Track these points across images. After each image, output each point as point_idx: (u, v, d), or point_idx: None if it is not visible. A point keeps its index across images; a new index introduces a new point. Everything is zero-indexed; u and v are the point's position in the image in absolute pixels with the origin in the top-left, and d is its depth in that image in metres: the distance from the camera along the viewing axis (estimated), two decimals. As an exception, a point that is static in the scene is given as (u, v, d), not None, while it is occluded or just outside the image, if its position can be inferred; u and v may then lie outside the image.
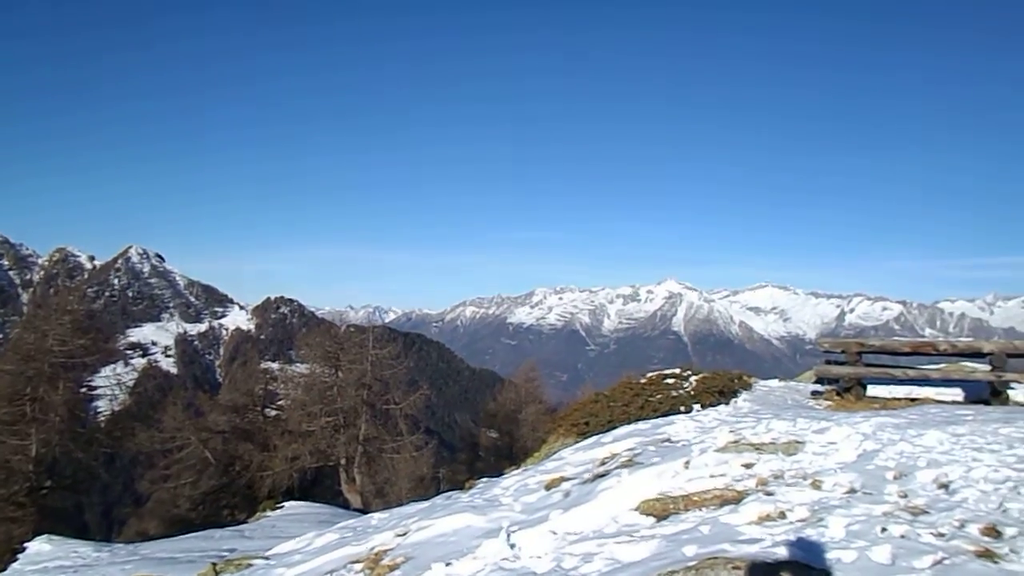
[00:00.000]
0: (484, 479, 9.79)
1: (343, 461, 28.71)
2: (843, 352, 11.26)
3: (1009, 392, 10.59)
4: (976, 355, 11.03)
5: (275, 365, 47.13)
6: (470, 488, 9.34)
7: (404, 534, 7.19)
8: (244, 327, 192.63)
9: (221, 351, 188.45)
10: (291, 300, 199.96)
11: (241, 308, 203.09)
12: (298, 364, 37.19)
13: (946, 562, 4.09)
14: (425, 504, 8.84)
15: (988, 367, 10.42)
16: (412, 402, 32.81)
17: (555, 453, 10.10)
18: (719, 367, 16.85)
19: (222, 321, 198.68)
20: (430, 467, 32.92)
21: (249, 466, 27.24)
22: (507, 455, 32.92)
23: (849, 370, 10.92)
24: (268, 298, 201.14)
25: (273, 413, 32.50)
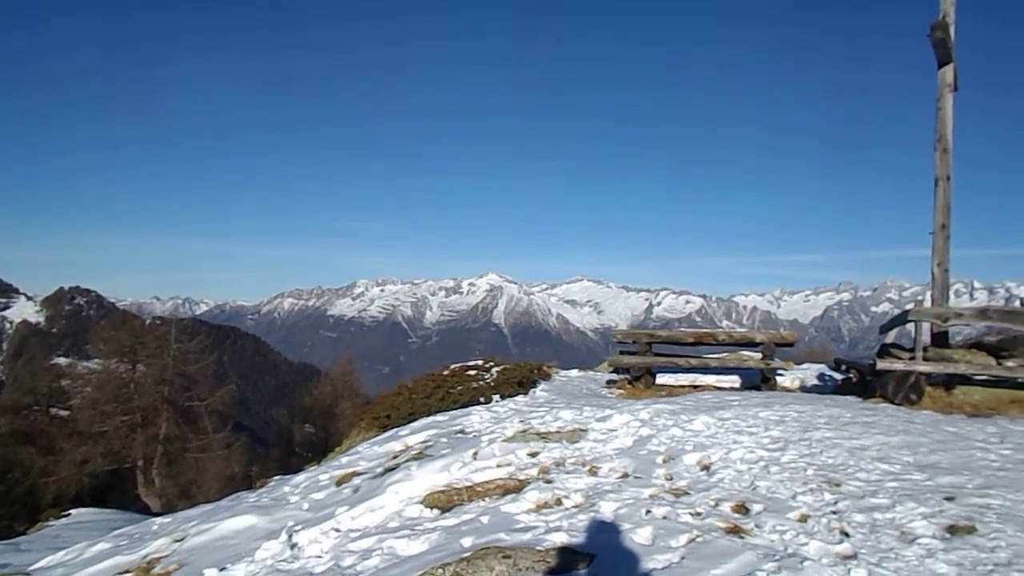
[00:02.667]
0: (277, 477, 9.42)
1: (140, 463, 26.91)
2: (634, 343, 11.84)
3: (777, 378, 11.58)
4: (750, 345, 11.97)
5: (65, 361, 43.35)
6: (260, 487, 8.94)
7: (182, 539, 6.76)
8: (32, 320, 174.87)
9: (4, 346, 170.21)
10: (88, 290, 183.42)
11: (29, 299, 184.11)
12: (93, 360, 34.48)
13: (699, 539, 4.34)
14: (209, 506, 8.36)
15: (760, 356, 11.32)
16: (220, 397, 31.31)
17: (354, 447, 9.89)
18: (537, 358, 17.20)
19: (5, 313, 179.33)
20: (242, 465, 31.50)
21: (30, 472, 24.85)
22: (323, 450, 32.17)
23: (639, 360, 11.49)
24: (61, 288, 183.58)
25: (63, 413, 30.04)
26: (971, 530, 4.34)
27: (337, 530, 5.68)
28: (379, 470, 7.28)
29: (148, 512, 21.47)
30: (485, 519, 5.11)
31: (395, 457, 7.66)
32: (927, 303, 9.82)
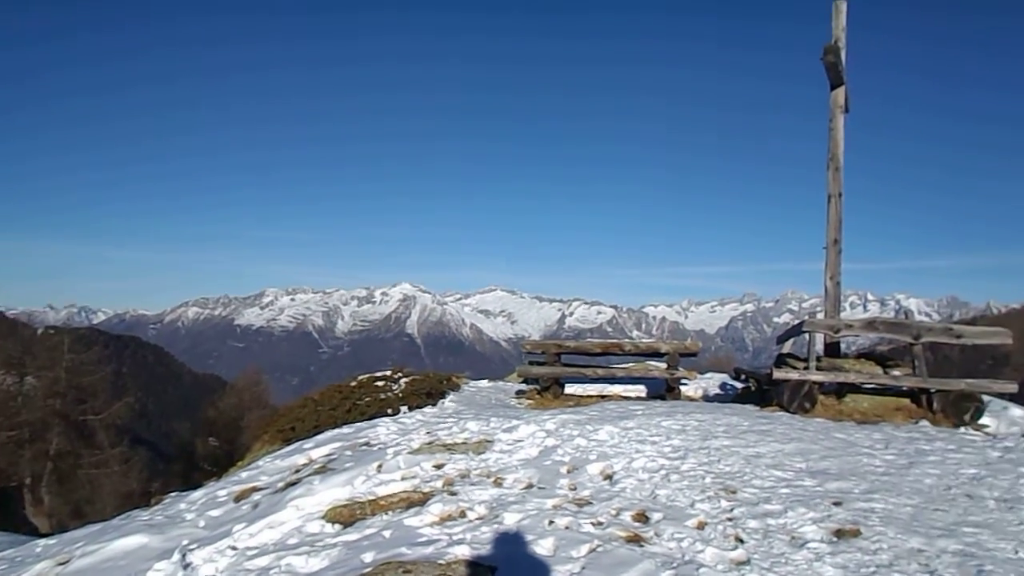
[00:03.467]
0: (173, 493, 9.03)
1: (28, 481, 25.48)
2: (543, 353, 11.92)
3: (681, 388, 11.85)
4: (656, 355, 12.22)
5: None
6: (155, 504, 8.56)
7: (66, 562, 6.37)
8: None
9: None
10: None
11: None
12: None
13: (599, 549, 4.37)
14: (98, 526, 7.94)
15: (665, 365, 11.57)
16: (117, 411, 30.01)
17: (256, 462, 9.59)
18: (451, 368, 17.06)
19: None
20: (142, 481, 30.21)
21: None
22: (228, 465, 31.13)
23: (547, 370, 11.58)
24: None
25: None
26: (856, 533, 4.52)
27: (234, 548, 5.47)
28: (280, 485, 7.07)
29: (36, 534, 20.30)
30: (387, 533, 5.02)
31: (297, 471, 7.47)
32: (821, 315, 10.26)
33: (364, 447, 7.79)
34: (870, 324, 9.74)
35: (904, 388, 9.26)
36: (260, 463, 8.58)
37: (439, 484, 6.03)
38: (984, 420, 8.79)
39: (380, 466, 6.70)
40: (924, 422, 8.45)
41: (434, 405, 10.84)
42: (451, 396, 11.55)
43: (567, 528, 4.76)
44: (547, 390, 11.61)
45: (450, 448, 7.03)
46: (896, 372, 9.45)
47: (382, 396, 11.35)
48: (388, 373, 12.73)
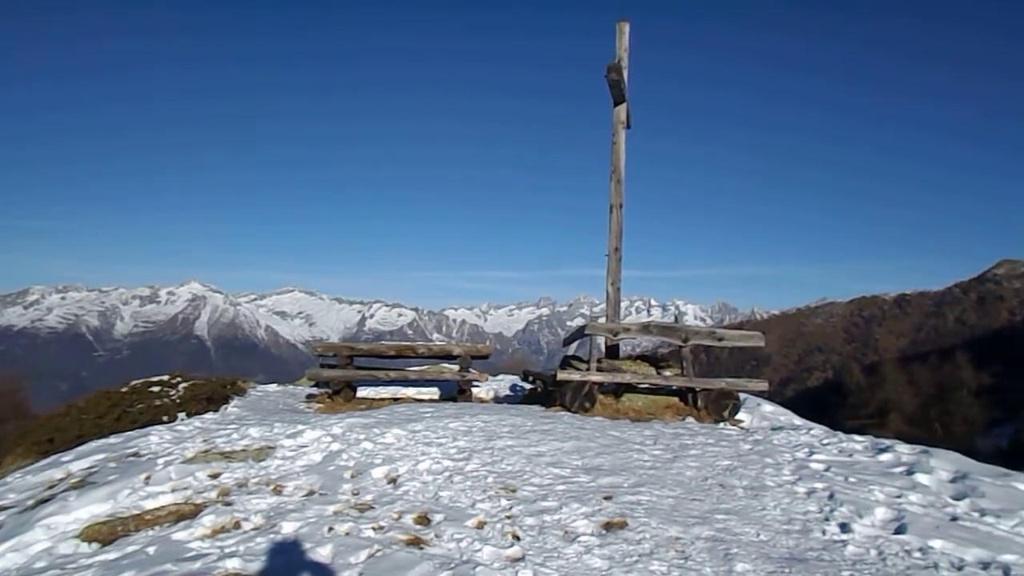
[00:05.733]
0: None
1: None
2: (335, 355, 11.67)
3: (473, 390, 12.07)
4: (449, 357, 12.35)
5: None
6: None
7: None
8: None
9: None
10: None
11: None
12: None
13: (379, 554, 4.33)
14: None
15: (457, 368, 11.71)
16: None
17: (4, 478, 8.58)
18: (244, 372, 16.16)
19: None
20: None
21: None
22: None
23: (339, 373, 11.35)
24: None
25: None
26: (623, 525, 4.82)
27: (-33, 577, 4.87)
28: (30, 503, 6.37)
29: None
30: (152, 550, 4.67)
31: (52, 487, 6.76)
32: (602, 319, 10.84)
33: (132, 457, 7.21)
34: (646, 328, 10.43)
35: (674, 387, 10.01)
36: (8, 480, 7.69)
37: (214, 495, 5.71)
38: (740, 415, 9.70)
39: (148, 478, 6.23)
40: (690, 419, 9.18)
41: (216, 411, 10.24)
42: (236, 401, 10.97)
43: (347, 534, 4.68)
44: (338, 393, 11.37)
45: (228, 456, 6.68)
46: (667, 373, 10.19)
47: (157, 402, 10.55)
48: (165, 378, 11.86)
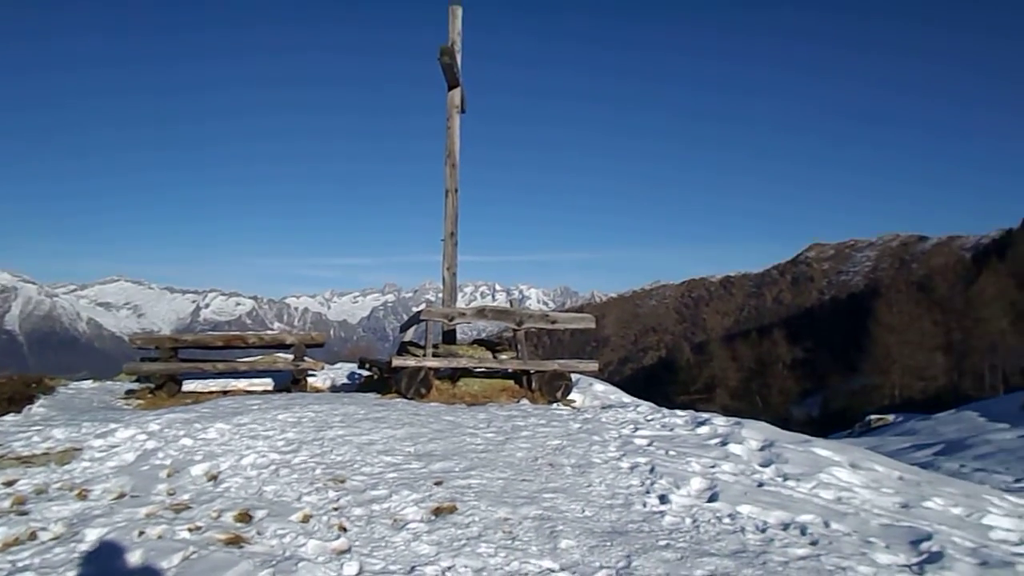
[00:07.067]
0: None
1: None
2: (157, 348, 10.99)
3: (309, 379, 11.71)
4: (282, 347, 11.92)
5: None
6: None
7: None
8: None
9: None
10: None
11: None
12: None
13: (194, 556, 4.10)
14: None
15: (292, 357, 11.33)
16: None
17: None
18: (62, 368, 14.90)
19: None
20: None
21: None
22: None
23: (160, 366, 10.68)
24: None
25: None
26: (453, 510, 4.81)
27: None
28: None
29: None
30: (-76, 573, 4.19)
31: None
32: (439, 304, 10.82)
33: (-91, 470, 6.45)
34: (480, 312, 10.50)
35: (510, 371, 10.16)
36: None
37: (7, 504, 5.20)
38: (573, 396, 9.99)
39: (-81, 494, 5.58)
40: (524, 401, 9.34)
41: (19, 412, 9.33)
42: (42, 400, 10.04)
43: (160, 537, 4.40)
44: (161, 388, 10.70)
45: (26, 461, 6.10)
46: (503, 356, 10.31)
47: (-54, 405, 9.49)
48: (-42, 378, 10.69)
